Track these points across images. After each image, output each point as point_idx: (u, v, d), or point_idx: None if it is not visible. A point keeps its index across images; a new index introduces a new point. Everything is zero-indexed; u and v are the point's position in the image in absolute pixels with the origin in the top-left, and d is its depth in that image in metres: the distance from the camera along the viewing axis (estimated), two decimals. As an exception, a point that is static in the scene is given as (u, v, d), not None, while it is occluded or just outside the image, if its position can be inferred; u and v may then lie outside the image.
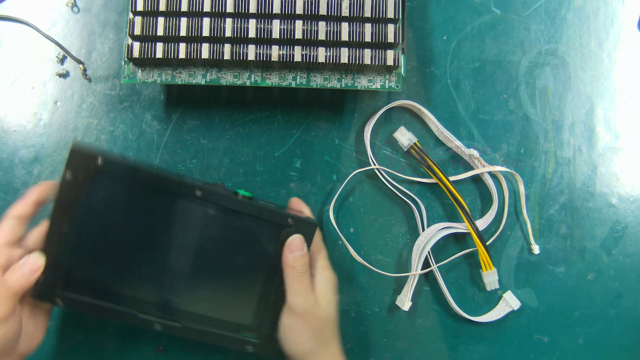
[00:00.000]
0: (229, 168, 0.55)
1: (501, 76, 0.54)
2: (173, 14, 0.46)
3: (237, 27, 0.46)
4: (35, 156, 0.54)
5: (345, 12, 0.46)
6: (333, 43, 0.47)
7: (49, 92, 0.55)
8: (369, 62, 0.47)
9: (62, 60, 0.55)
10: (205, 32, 0.46)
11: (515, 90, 0.53)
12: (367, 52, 0.47)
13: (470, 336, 0.55)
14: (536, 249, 0.54)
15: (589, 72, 0.58)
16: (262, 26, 0.47)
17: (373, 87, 0.49)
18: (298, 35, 0.46)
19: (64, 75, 0.55)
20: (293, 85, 0.49)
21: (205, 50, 0.46)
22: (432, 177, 0.53)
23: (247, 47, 0.47)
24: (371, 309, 0.55)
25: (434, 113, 0.55)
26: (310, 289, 0.46)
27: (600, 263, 0.57)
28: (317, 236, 0.49)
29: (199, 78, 0.49)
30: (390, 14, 0.47)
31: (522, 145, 0.55)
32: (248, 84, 0.48)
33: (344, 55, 0.47)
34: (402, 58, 0.50)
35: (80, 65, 0.54)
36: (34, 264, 0.44)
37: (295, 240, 0.46)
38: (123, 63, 0.49)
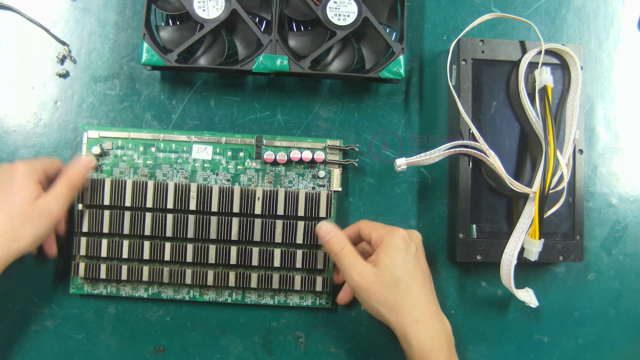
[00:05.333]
0: (229, 168, 0.55)
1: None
2: (116, 234, 0.53)
3: (175, 249, 0.52)
4: (35, 156, 0.54)
5: (278, 238, 0.52)
6: (265, 268, 0.53)
7: (49, 92, 0.55)
8: (299, 288, 0.53)
9: (62, 60, 0.55)
10: (146, 256, 0.52)
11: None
12: (297, 278, 0.53)
13: (470, 336, 0.55)
14: None
15: (589, 72, 0.58)
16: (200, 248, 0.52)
17: (304, 304, 0.54)
18: (232, 260, 0.52)
19: (64, 75, 0.55)
20: (229, 301, 0.54)
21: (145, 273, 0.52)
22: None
23: (184, 271, 0.53)
24: (371, 309, 0.55)
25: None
26: (353, 264, 0.47)
27: (600, 263, 0.57)
28: (367, 222, 0.50)
29: (142, 292, 0.54)
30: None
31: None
32: (187, 298, 0.54)
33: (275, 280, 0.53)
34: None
35: (65, 47, 0.54)
36: (87, 161, 0.50)
37: (321, 228, 0.49)
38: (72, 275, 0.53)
